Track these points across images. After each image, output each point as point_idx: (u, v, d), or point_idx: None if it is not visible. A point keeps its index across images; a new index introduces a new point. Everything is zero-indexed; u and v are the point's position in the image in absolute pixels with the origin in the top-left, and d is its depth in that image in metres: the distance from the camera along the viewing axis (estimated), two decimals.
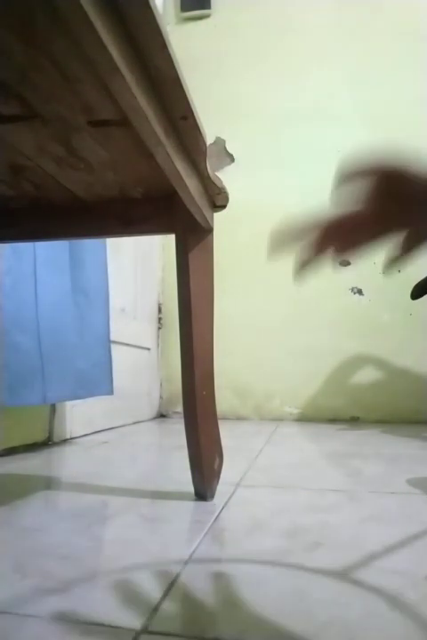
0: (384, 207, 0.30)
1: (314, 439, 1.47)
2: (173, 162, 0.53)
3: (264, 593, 0.43)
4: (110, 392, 1.34)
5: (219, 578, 0.47)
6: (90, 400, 1.35)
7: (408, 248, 0.33)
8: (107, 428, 1.56)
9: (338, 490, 0.81)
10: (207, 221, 0.73)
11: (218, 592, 0.44)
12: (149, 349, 2.00)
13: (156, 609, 0.40)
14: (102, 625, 0.37)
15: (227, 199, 0.74)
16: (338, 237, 0.32)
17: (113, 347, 1.39)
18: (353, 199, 0.30)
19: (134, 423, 1.79)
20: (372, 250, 0.33)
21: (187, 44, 2.12)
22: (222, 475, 0.79)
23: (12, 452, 1.09)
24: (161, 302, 2.14)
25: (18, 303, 1.00)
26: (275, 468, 0.98)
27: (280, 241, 0.32)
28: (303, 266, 0.34)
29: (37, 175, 0.65)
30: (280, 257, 0.34)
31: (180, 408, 1.97)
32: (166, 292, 2.13)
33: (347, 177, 0.29)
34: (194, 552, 0.53)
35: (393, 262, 0.35)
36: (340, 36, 2.05)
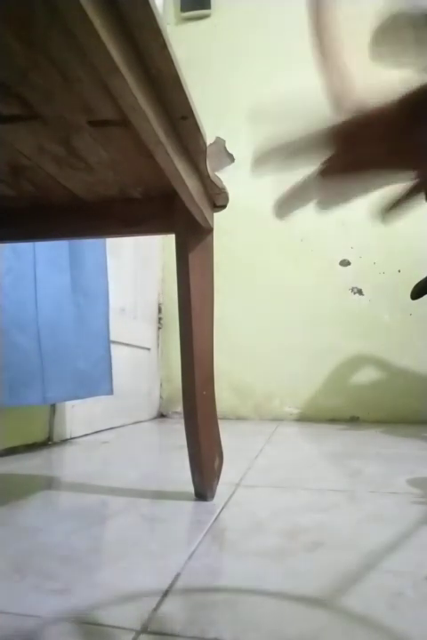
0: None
1: (314, 439, 1.46)
2: (173, 162, 0.53)
3: (264, 593, 0.43)
4: (110, 392, 1.34)
5: (219, 578, 0.47)
6: (90, 400, 1.35)
7: (411, 193, 0.27)
8: (107, 427, 1.56)
9: (338, 490, 0.81)
10: (207, 221, 0.73)
11: (218, 592, 0.43)
12: (148, 349, 2.00)
13: (156, 609, 0.40)
14: (102, 625, 0.37)
15: (227, 199, 0.74)
16: (345, 151, 0.24)
17: (113, 347, 1.39)
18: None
19: (134, 423, 1.79)
20: (377, 180, 0.25)
21: (187, 44, 2.12)
22: (222, 475, 0.79)
23: (12, 451, 1.09)
24: (161, 302, 2.14)
25: (18, 303, 1.00)
26: (275, 468, 0.98)
27: (270, 152, 0.24)
28: (294, 196, 0.27)
29: (37, 175, 0.65)
30: (266, 172, 0.25)
31: (180, 408, 1.97)
32: (166, 292, 2.13)
33: (387, 29, 0.21)
34: (194, 552, 0.52)
35: (389, 209, 0.29)
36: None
